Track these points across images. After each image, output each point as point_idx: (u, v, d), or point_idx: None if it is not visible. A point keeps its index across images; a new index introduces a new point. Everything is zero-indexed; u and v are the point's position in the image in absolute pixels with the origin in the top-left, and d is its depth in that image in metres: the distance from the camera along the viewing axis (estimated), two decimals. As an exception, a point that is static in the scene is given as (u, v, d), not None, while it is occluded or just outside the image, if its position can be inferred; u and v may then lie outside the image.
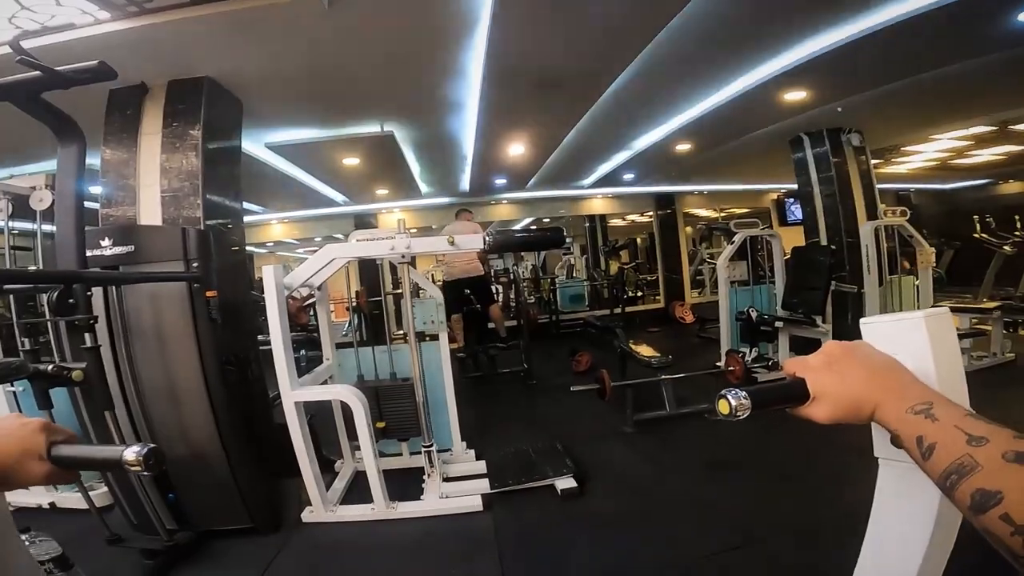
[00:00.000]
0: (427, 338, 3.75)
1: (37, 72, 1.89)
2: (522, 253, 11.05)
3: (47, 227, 3.24)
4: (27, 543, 1.78)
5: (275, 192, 7.21)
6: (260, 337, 3.52)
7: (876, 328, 0.72)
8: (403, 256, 3.02)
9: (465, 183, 7.70)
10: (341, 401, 3.02)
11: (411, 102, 4.27)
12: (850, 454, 2.91)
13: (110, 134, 3.14)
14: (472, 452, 3.61)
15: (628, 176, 8.45)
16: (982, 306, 5.02)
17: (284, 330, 2.69)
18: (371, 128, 4.79)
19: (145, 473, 0.70)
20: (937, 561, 0.71)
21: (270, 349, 2.72)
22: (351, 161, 5.84)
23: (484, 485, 3.04)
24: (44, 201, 3.16)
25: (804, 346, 5.02)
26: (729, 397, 0.66)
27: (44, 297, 3.11)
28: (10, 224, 3.30)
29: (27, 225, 3.42)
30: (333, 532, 2.79)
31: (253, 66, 3.22)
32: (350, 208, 8.88)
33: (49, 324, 2.96)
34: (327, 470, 3.37)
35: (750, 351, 5.17)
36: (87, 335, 2.28)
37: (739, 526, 2.52)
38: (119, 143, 3.13)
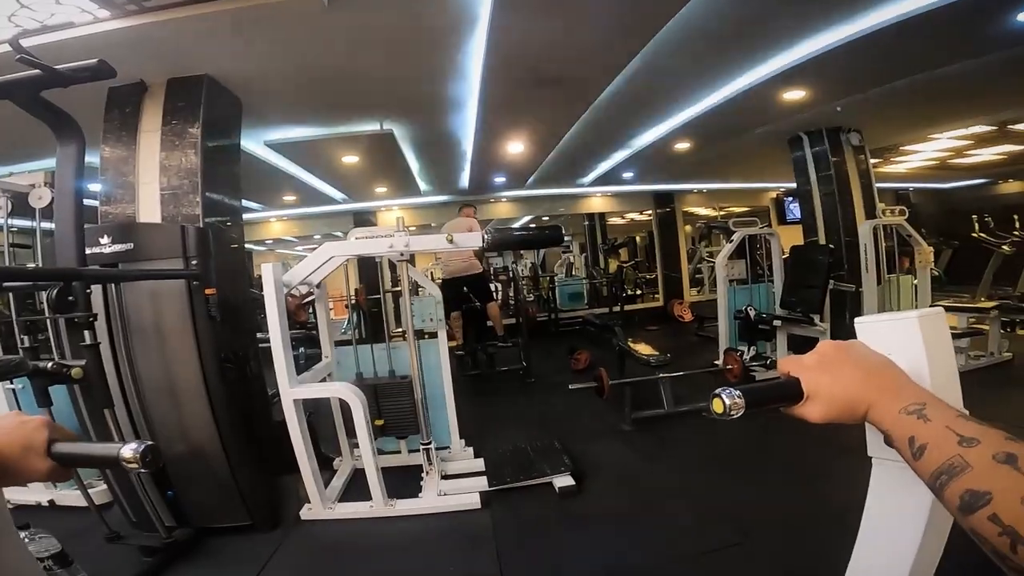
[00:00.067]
0: (426, 336, 3.75)
1: (37, 70, 1.89)
2: (521, 251, 11.06)
3: (46, 225, 3.23)
4: (27, 540, 1.79)
5: (274, 190, 7.21)
6: (259, 335, 3.52)
7: (870, 328, 0.72)
8: (402, 254, 3.03)
9: (464, 181, 7.70)
10: (340, 399, 3.03)
11: (411, 100, 4.27)
12: (848, 453, 2.93)
13: (109, 132, 3.14)
14: (470, 450, 3.62)
15: (627, 174, 8.45)
16: (979, 305, 5.03)
17: (283, 328, 2.70)
18: (370, 126, 4.79)
19: (142, 470, 0.71)
20: (929, 561, 0.72)
21: (269, 347, 2.73)
22: (350, 159, 5.84)
23: (482, 483, 3.05)
24: (43, 199, 3.16)
25: (802, 345, 5.02)
26: (723, 396, 0.66)
27: (43, 295, 3.12)
28: (9, 222, 3.30)
29: (26, 223, 3.43)
30: (331, 529, 2.80)
31: (253, 64, 3.22)
32: (349, 206, 8.89)
33: (48, 322, 2.97)
34: (326, 468, 3.38)
35: (748, 350, 5.18)
36: (86, 333, 2.29)
37: (737, 524, 2.52)
38: (118, 141, 3.13)
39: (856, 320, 0.74)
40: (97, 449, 0.78)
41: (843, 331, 4.74)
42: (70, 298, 2.15)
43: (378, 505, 2.85)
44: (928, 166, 9.41)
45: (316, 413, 3.29)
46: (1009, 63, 3.98)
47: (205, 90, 3.19)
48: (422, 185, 7.84)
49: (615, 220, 12.78)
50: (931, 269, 5.39)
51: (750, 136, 6.08)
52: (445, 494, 2.97)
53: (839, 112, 5.35)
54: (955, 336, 4.41)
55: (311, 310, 6.62)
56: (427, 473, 3.10)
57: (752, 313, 4.99)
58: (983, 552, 0.46)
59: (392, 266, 4.95)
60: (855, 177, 6.01)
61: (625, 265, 10.65)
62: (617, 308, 9.24)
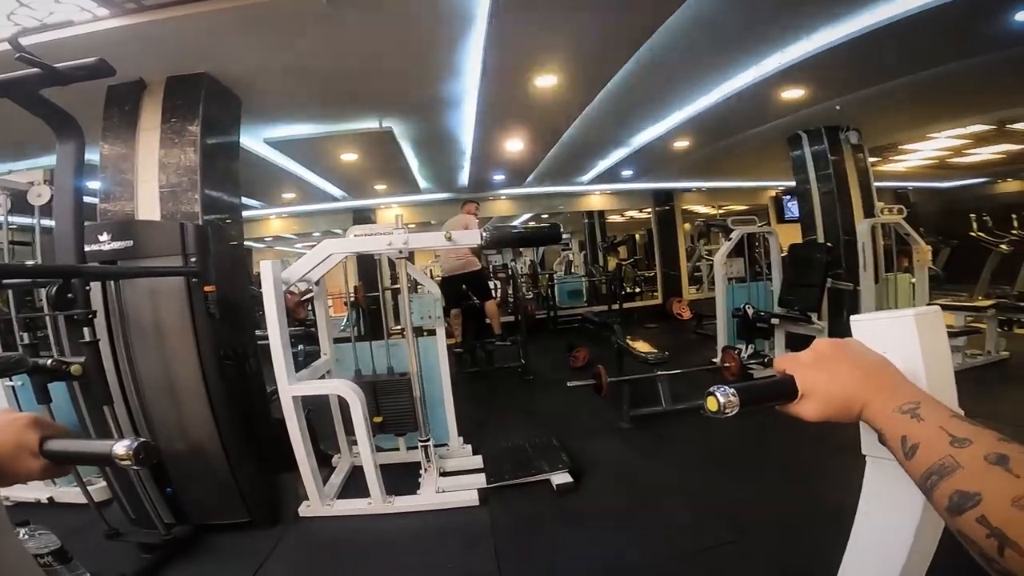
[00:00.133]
0: (424, 333, 3.76)
1: (36, 69, 1.90)
2: (520, 249, 11.06)
3: (45, 222, 3.24)
4: (26, 537, 1.80)
5: (273, 187, 7.21)
6: (258, 332, 3.53)
7: (866, 326, 0.72)
8: (401, 251, 3.03)
9: (464, 179, 7.70)
10: (339, 396, 3.03)
11: (410, 98, 4.28)
12: (843, 452, 2.94)
13: (108, 130, 3.14)
14: (469, 447, 3.63)
15: (627, 172, 8.45)
16: (977, 304, 5.04)
17: (282, 325, 2.70)
18: (370, 124, 4.79)
19: (135, 467, 0.70)
20: (921, 560, 0.71)
21: (268, 344, 2.73)
22: (349, 157, 5.85)
23: (480, 480, 3.06)
24: (42, 196, 3.16)
25: (800, 343, 5.03)
26: (717, 394, 0.65)
27: (42, 292, 3.12)
28: (8, 219, 3.30)
29: (25, 220, 3.43)
30: (330, 526, 2.81)
31: (252, 63, 3.22)
32: (348, 203, 8.88)
33: (47, 319, 2.97)
34: (324, 465, 3.39)
35: (746, 348, 5.20)
36: (86, 329, 2.29)
37: (734, 521, 2.54)
38: (117, 138, 3.14)
39: (852, 318, 0.73)
40: (90, 446, 0.77)
41: (841, 329, 4.76)
42: (69, 295, 2.15)
43: (376, 502, 2.86)
44: (927, 165, 9.42)
45: (315, 411, 3.30)
46: (1008, 62, 3.98)
47: (204, 88, 3.20)
48: (421, 183, 7.84)
49: (614, 218, 12.79)
50: (929, 268, 5.40)
51: (749, 134, 6.08)
52: (443, 491, 2.97)
53: (838, 111, 5.35)
54: (952, 335, 4.42)
55: (310, 307, 6.62)
56: (425, 470, 3.11)
57: (750, 311, 5.01)
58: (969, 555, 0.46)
59: (391, 264, 4.96)
60: (854, 176, 6.01)
61: (624, 263, 10.66)
62: (616, 306, 9.24)
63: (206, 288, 2.69)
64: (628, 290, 10.52)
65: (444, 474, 3.20)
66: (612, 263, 10.66)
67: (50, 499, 3.11)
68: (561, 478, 3.00)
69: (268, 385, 3.31)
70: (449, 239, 2.82)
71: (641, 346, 4.70)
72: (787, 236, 6.94)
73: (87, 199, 2.52)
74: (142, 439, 0.70)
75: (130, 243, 2.64)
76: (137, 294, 2.67)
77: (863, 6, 3.31)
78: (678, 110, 5.26)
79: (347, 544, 2.66)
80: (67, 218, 2.28)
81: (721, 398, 0.65)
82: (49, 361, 2.18)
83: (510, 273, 8.88)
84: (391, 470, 3.13)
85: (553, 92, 4.20)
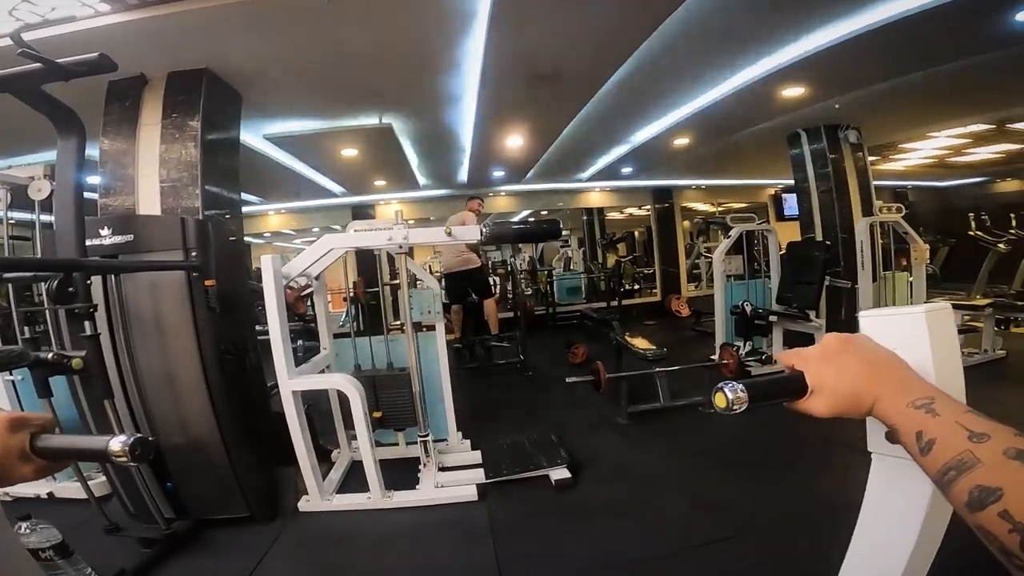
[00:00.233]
0: (424, 328, 3.77)
1: (38, 64, 1.90)
2: (519, 245, 11.07)
3: (45, 217, 3.24)
4: (28, 531, 1.81)
5: (273, 183, 7.20)
6: (257, 327, 3.54)
7: (875, 322, 0.71)
8: (401, 247, 3.04)
9: (463, 175, 7.70)
10: (338, 391, 3.04)
11: (410, 94, 4.27)
12: (841, 447, 2.96)
13: (109, 125, 3.14)
14: (468, 442, 3.64)
15: (626, 169, 8.45)
16: (974, 303, 5.06)
17: (282, 319, 2.71)
18: (370, 120, 4.79)
19: (131, 464, 0.69)
20: (924, 557, 0.71)
21: (268, 339, 2.74)
22: (349, 153, 5.84)
23: (479, 475, 3.07)
24: (42, 191, 3.16)
25: (798, 340, 5.05)
26: (726, 390, 0.64)
27: (42, 286, 3.12)
28: (8, 214, 3.31)
29: (25, 215, 3.43)
30: (329, 521, 2.82)
31: (253, 58, 3.22)
32: (347, 199, 8.87)
33: (47, 313, 2.97)
34: (324, 460, 3.40)
35: (744, 345, 5.22)
36: (87, 323, 2.30)
37: (731, 517, 2.55)
38: (118, 134, 3.14)
39: (861, 313, 0.72)
40: (85, 442, 0.74)
41: (838, 327, 4.77)
42: (71, 289, 2.16)
43: (376, 497, 2.87)
44: (926, 164, 9.43)
45: (314, 406, 3.31)
46: (1008, 62, 3.99)
47: (205, 84, 3.19)
48: (421, 179, 7.83)
49: (614, 215, 12.81)
50: (927, 266, 5.42)
51: (749, 132, 6.09)
52: (442, 486, 2.99)
53: (838, 109, 5.36)
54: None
55: (309, 303, 6.63)
56: (424, 465, 3.12)
57: (748, 309, 5.02)
58: (977, 551, 0.46)
59: (390, 259, 4.96)
60: (853, 174, 6.02)
61: (623, 260, 10.67)
62: (615, 303, 9.27)
63: (207, 282, 2.70)
64: (627, 287, 10.53)
65: (443, 469, 3.22)
66: (611, 260, 10.67)
67: (50, 494, 3.11)
68: (559, 473, 3.02)
69: (268, 380, 3.32)
70: (449, 234, 2.83)
71: (639, 343, 4.72)
72: (786, 234, 6.95)
73: (87, 194, 2.53)
74: (138, 435, 0.69)
75: (131, 237, 2.64)
76: (138, 288, 2.68)
77: (864, 5, 3.31)
78: (678, 108, 5.26)
79: (346, 538, 2.67)
80: (68, 212, 2.28)
81: (730, 394, 0.64)
82: (50, 355, 2.19)
83: (509, 269, 8.88)
84: (390, 465, 3.14)
85: (554, 89, 4.20)
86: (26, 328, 3.06)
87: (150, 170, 3.10)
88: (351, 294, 4.39)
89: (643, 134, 6.22)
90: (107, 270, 2.62)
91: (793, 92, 4.79)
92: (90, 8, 2.48)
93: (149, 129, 3.14)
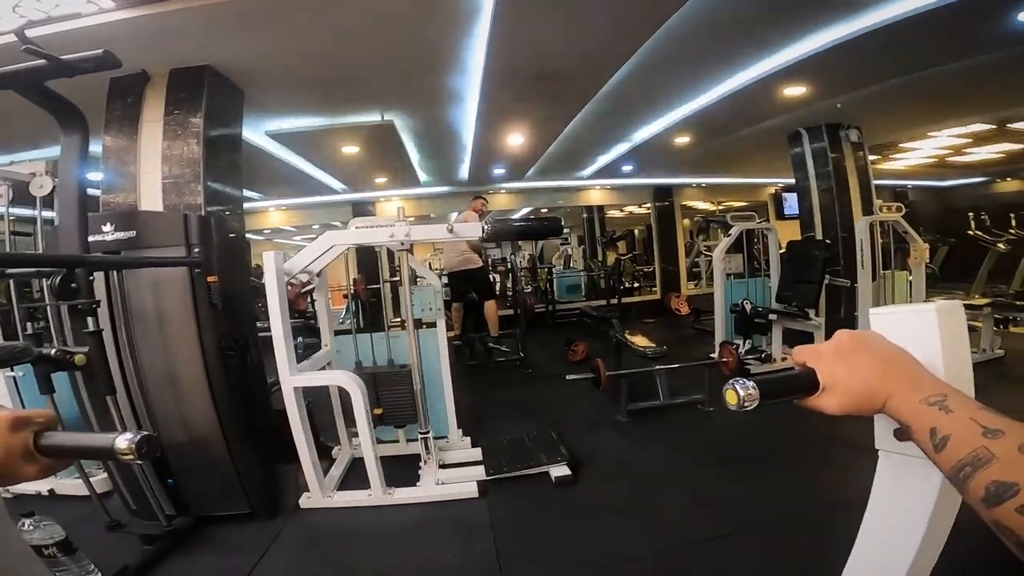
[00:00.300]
0: (424, 326, 3.78)
1: (42, 61, 1.90)
2: (520, 242, 11.07)
3: (47, 213, 3.25)
4: (32, 527, 1.82)
5: (274, 179, 7.20)
6: (258, 324, 3.54)
7: (886, 319, 0.70)
8: (402, 244, 3.05)
9: (464, 172, 7.70)
10: (339, 388, 3.05)
11: (412, 92, 4.27)
12: (841, 446, 2.97)
13: (111, 121, 3.14)
14: (468, 439, 3.65)
15: (627, 168, 8.45)
16: (973, 302, 5.06)
17: (284, 316, 2.72)
18: (371, 117, 4.79)
19: (138, 462, 0.67)
20: (930, 554, 0.72)
21: (269, 335, 2.75)
22: (351, 150, 5.84)
23: (479, 472, 3.08)
24: (44, 187, 3.16)
25: (797, 339, 5.07)
26: (737, 387, 0.63)
27: (43, 282, 3.13)
28: (10, 210, 3.31)
29: (26, 211, 3.43)
30: (330, 517, 2.83)
31: (255, 55, 3.22)
32: (348, 196, 8.86)
33: (49, 309, 2.98)
34: (324, 456, 3.41)
35: (744, 343, 5.23)
36: (89, 319, 2.30)
37: (731, 514, 2.57)
38: (120, 130, 3.14)
39: (871, 310, 0.72)
40: (90, 440, 0.72)
41: (838, 326, 4.75)
42: (73, 285, 2.17)
43: (376, 494, 2.88)
44: (926, 163, 9.43)
45: (315, 403, 3.32)
46: (1009, 62, 3.99)
47: (207, 80, 3.19)
48: (422, 176, 7.83)
49: (614, 213, 12.81)
50: (926, 266, 5.43)
51: (750, 131, 6.08)
52: (443, 483, 3.00)
53: (839, 108, 5.36)
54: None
55: (310, 299, 6.64)
56: (425, 462, 3.13)
57: (748, 307, 5.03)
58: (982, 550, 0.47)
59: (391, 256, 4.97)
60: (853, 173, 6.01)
61: (623, 258, 10.68)
62: (615, 300, 9.28)
63: (209, 278, 2.70)
64: (627, 285, 10.55)
65: (443, 466, 3.22)
66: (611, 258, 10.68)
67: (51, 491, 3.12)
68: (559, 470, 3.03)
69: (268, 376, 3.33)
70: (451, 231, 2.84)
71: (639, 340, 4.73)
72: (786, 233, 6.96)
73: (89, 190, 2.54)
74: (145, 432, 0.68)
75: (133, 233, 2.65)
76: (140, 284, 2.68)
77: (865, 5, 3.32)
78: (679, 106, 5.26)
79: (347, 535, 2.68)
80: (71, 208, 2.29)
81: (741, 391, 0.63)
82: (53, 351, 2.20)
83: (509, 267, 8.89)
84: (391, 462, 3.15)
85: (555, 88, 4.20)
86: (29, 324, 3.06)
87: (152, 166, 3.10)
88: (352, 291, 4.41)
89: (644, 132, 6.22)
90: (109, 266, 2.62)
91: (795, 91, 4.79)
92: (94, 5, 2.48)
93: (151, 126, 3.14)
